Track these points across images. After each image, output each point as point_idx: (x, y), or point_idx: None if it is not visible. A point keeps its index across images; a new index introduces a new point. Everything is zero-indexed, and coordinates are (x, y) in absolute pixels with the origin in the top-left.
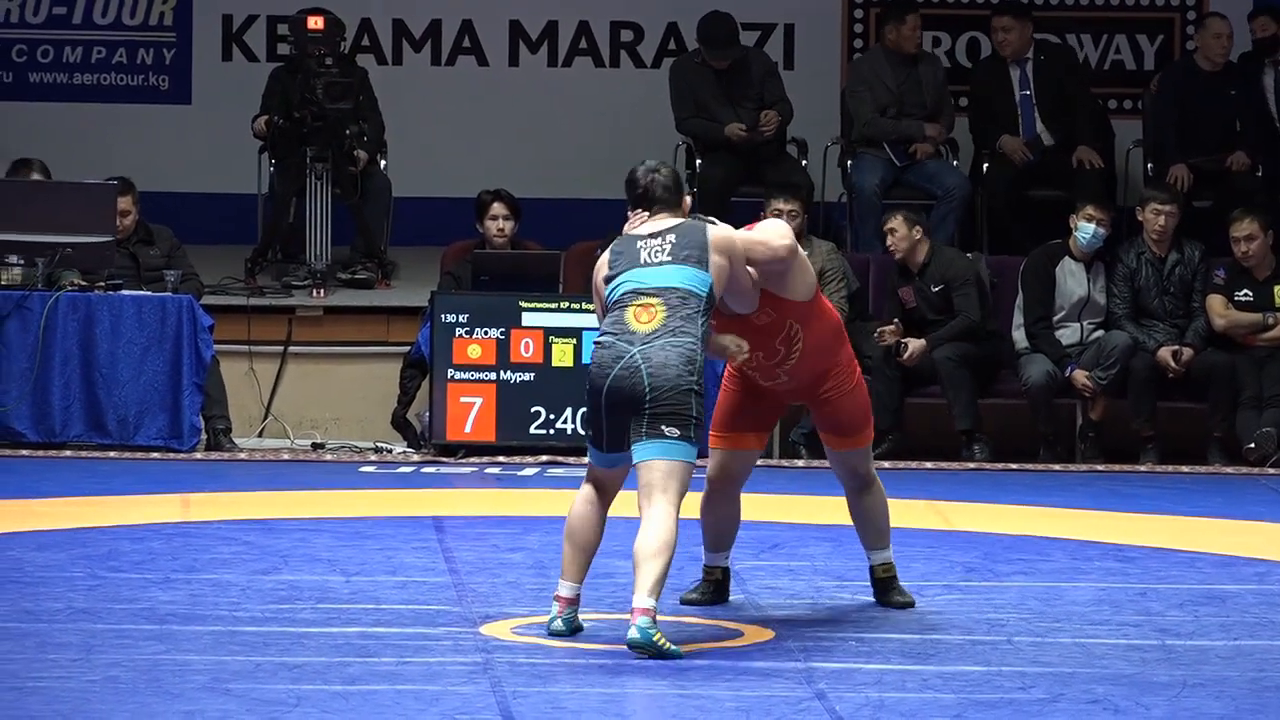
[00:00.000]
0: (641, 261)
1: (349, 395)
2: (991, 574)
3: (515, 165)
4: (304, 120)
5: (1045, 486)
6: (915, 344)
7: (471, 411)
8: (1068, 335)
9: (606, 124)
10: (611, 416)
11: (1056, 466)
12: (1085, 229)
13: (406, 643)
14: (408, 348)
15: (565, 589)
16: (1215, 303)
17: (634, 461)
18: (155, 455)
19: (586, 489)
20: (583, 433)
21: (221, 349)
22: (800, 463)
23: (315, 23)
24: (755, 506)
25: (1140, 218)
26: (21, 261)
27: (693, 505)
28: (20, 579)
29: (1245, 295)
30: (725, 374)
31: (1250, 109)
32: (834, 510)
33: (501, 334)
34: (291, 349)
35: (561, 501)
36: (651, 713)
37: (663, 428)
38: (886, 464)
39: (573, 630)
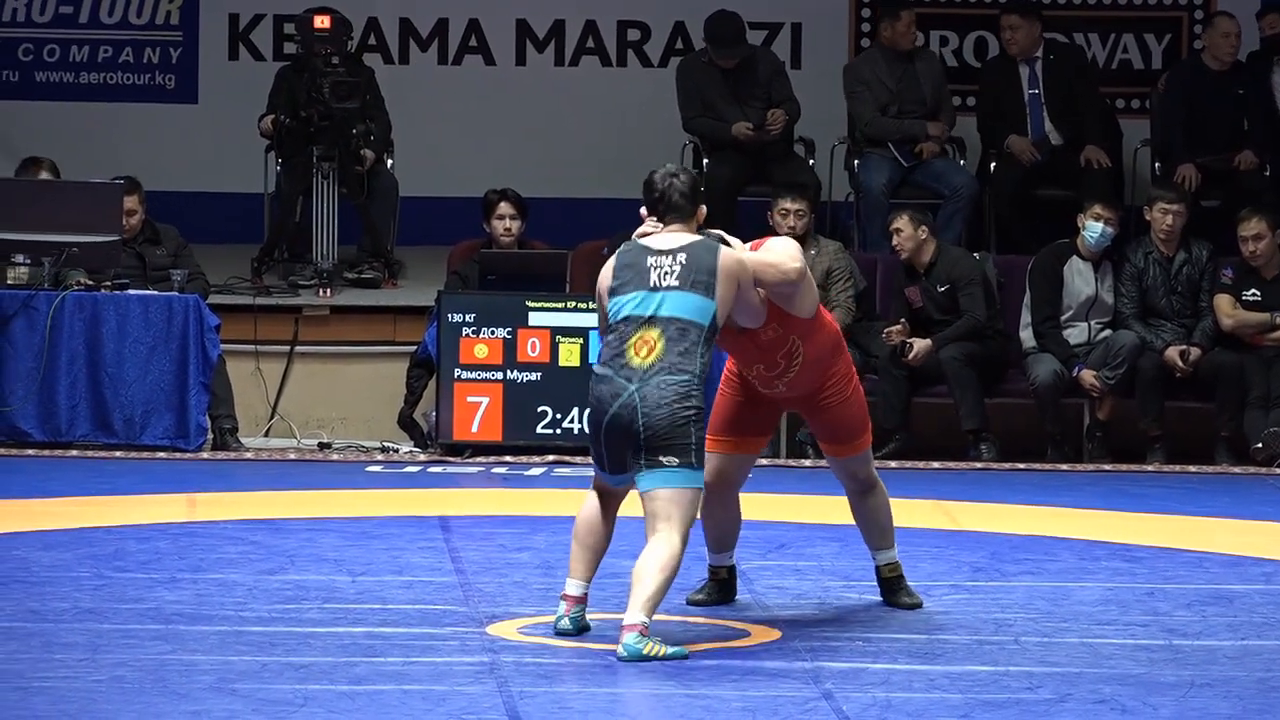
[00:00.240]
0: (650, 285)
1: (355, 395)
2: (999, 574)
3: (522, 165)
4: (311, 119)
5: (1052, 486)
6: (920, 344)
7: (478, 411)
8: (1075, 335)
9: (613, 123)
10: (612, 447)
11: (1064, 466)
12: (1093, 228)
13: (413, 643)
14: (414, 347)
15: (573, 587)
16: (1223, 302)
17: (638, 490)
18: (161, 455)
19: (593, 496)
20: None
21: (228, 348)
22: (807, 463)
23: (322, 22)
24: (761, 506)
25: (1148, 217)
26: (28, 261)
27: None
28: (26, 579)
29: (1253, 295)
30: (723, 378)
31: (1258, 108)
32: (840, 510)
33: (508, 333)
34: (298, 348)
35: (568, 501)
36: (658, 713)
37: (661, 459)
38: (893, 464)
39: (580, 629)
